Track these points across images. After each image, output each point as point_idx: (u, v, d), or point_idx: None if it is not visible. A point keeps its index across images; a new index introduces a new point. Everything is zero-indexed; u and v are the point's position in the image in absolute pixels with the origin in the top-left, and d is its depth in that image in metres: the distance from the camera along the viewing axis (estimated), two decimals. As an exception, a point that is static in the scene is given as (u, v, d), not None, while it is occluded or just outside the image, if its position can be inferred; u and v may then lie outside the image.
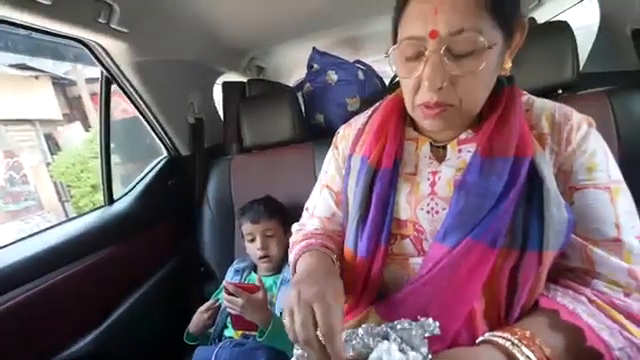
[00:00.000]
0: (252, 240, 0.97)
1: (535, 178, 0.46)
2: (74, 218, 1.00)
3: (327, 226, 0.65)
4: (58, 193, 5.05)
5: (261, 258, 0.96)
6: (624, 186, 0.49)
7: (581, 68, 0.97)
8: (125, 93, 1.03)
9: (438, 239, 0.49)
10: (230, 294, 0.78)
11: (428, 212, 0.52)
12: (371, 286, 0.54)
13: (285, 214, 1.01)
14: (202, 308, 0.94)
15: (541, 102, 0.53)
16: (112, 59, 0.92)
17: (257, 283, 0.81)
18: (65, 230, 0.91)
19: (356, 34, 1.57)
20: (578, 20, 1.04)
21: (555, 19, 1.41)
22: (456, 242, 0.47)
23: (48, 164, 4.96)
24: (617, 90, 0.89)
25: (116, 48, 0.90)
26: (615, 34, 1.06)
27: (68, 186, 4.69)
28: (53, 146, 5.33)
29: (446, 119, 0.48)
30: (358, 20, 1.36)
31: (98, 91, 1.02)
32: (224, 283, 0.79)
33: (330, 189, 0.66)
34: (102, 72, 0.97)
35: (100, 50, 0.89)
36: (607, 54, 1.14)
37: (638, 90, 0.88)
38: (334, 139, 0.68)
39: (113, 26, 0.81)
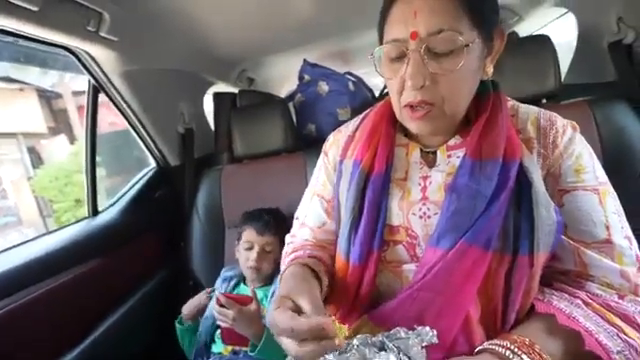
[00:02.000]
0: (249, 249, 0.95)
1: (523, 181, 0.47)
2: (55, 230, 0.96)
3: (318, 236, 0.63)
4: (39, 208, 4.88)
5: (250, 268, 0.93)
6: (610, 188, 0.50)
7: (562, 80, 1.00)
8: (113, 102, 1.02)
9: (432, 243, 0.49)
10: (222, 306, 0.74)
11: (420, 217, 0.52)
12: (364, 293, 0.53)
13: (287, 231, 0.99)
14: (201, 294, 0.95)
15: (526, 107, 0.54)
16: (100, 68, 0.91)
17: (250, 294, 0.78)
18: (46, 243, 0.87)
19: (346, 47, 1.60)
20: (558, 36, 1.10)
21: (536, 33, 1.47)
22: (450, 245, 0.46)
23: (29, 178, 4.81)
24: (598, 100, 0.93)
25: (105, 57, 0.89)
26: (593, 47, 1.11)
27: (50, 201, 4.54)
28: (36, 160, 5.18)
29: (431, 120, 0.48)
30: (348, 33, 1.39)
31: (85, 103, 1.00)
32: (216, 294, 0.76)
33: (321, 197, 0.65)
34: (89, 81, 0.95)
35: (88, 58, 0.88)
36: (586, 66, 1.19)
37: (617, 100, 0.92)
38: (324, 146, 0.67)
39: (102, 34, 0.80)
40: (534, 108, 0.54)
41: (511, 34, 1.32)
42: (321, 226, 0.63)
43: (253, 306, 0.76)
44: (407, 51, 0.45)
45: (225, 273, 1.03)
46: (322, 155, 0.67)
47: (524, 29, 1.49)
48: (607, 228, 0.47)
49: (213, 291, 0.95)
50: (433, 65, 0.45)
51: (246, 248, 0.95)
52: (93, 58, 0.88)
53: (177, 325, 0.96)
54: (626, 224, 0.49)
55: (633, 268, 0.46)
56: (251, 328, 0.74)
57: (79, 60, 0.89)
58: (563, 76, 1.10)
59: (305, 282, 0.49)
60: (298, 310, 0.41)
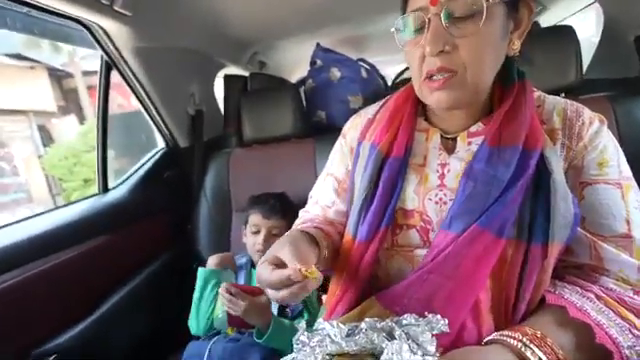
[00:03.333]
0: (256, 232, 0.95)
1: (544, 171, 0.46)
2: (66, 205, 0.97)
3: (328, 214, 0.64)
4: (49, 186, 4.96)
5: (258, 252, 0.94)
6: (634, 183, 0.49)
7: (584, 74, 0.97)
8: (125, 79, 1.01)
9: (444, 226, 0.48)
10: (231, 294, 0.75)
11: (436, 202, 0.52)
12: (364, 270, 0.53)
13: (294, 215, 0.98)
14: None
15: (553, 99, 0.53)
16: (113, 43, 0.90)
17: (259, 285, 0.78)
18: (56, 217, 0.88)
19: (360, 33, 1.57)
20: (578, 32, 1.06)
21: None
22: (462, 229, 0.46)
23: (40, 156, 4.88)
24: (619, 96, 0.90)
25: (118, 31, 0.88)
26: (618, 40, 1.07)
27: (60, 179, 4.61)
28: (46, 138, 5.25)
29: (451, 89, 0.47)
30: (362, 18, 1.36)
31: (96, 83, 1.00)
32: (225, 285, 0.76)
33: (334, 178, 0.65)
34: (102, 56, 0.95)
35: (101, 33, 0.87)
36: (609, 61, 1.15)
37: (639, 96, 0.89)
38: (343, 129, 0.67)
39: (116, 8, 0.79)
40: (562, 99, 0.53)
41: (533, 24, 1.28)
42: (331, 206, 0.64)
43: (264, 297, 0.76)
44: (427, 17, 0.44)
45: (238, 261, 1.03)
46: (340, 137, 0.67)
47: (547, 19, 1.44)
48: (627, 222, 0.46)
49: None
50: (454, 29, 0.44)
51: (253, 232, 0.95)
52: (106, 32, 0.87)
53: (199, 270, 0.95)
54: None
55: None
56: (260, 318, 0.75)
57: (92, 35, 0.88)
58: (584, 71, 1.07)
59: (295, 241, 0.49)
60: (281, 264, 0.44)
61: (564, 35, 0.95)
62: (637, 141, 0.85)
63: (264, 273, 0.44)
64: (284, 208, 0.96)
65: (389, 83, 1.53)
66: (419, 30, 0.46)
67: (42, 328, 0.77)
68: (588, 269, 0.48)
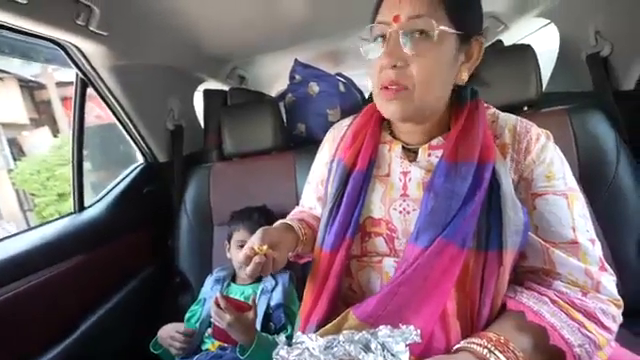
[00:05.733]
0: (242, 247, 0.95)
1: (494, 183, 0.50)
2: (41, 225, 0.94)
3: (312, 213, 0.73)
4: (20, 201, 4.72)
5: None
6: (579, 194, 0.54)
7: (544, 88, 1.05)
8: (101, 97, 1.00)
9: (411, 240, 0.51)
10: (219, 306, 0.74)
11: (400, 212, 0.56)
12: (333, 277, 0.56)
13: None
14: (181, 329, 0.88)
15: (505, 116, 0.58)
16: (89, 62, 0.90)
17: (250, 302, 0.78)
18: (30, 238, 0.86)
19: (337, 48, 1.62)
20: (541, 46, 1.14)
21: (520, 42, 1.52)
22: (428, 242, 0.49)
23: (10, 170, 4.65)
24: (576, 108, 0.97)
25: (94, 51, 0.88)
26: (573, 58, 1.16)
27: (32, 194, 4.40)
28: (17, 151, 5.01)
29: (400, 102, 0.51)
30: (339, 33, 1.41)
31: (72, 95, 0.99)
32: (217, 295, 0.75)
33: (314, 184, 0.73)
34: (77, 74, 0.94)
35: (77, 52, 0.87)
36: (566, 76, 1.25)
37: (594, 109, 0.97)
38: (323, 141, 0.73)
39: (92, 29, 0.80)
40: (513, 116, 0.57)
41: (497, 42, 1.36)
42: (313, 208, 0.74)
43: (251, 315, 0.76)
44: (388, 31, 0.50)
45: (217, 274, 1.03)
46: (319, 149, 0.74)
47: (509, 38, 1.54)
48: (573, 230, 0.50)
49: (190, 335, 0.89)
50: (408, 46, 0.48)
51: (239, 246, 0.96)
52: (82, 52, 0.87)
53: (152, 348, 0.90)
54: (591, 228, 0.52)
55: (595, 267, 0.50)
56: (244, 335, 0.74)
57: (67, 54, 0.87)
58: (544, 85, 1.15)
59: (267, 229, 0.59)
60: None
61: (524, 53, 1.02)
62: (591, 150, 0.92)
63: (237, 255, 0.54)
64: (268, 221, 0.97)
65: (366, 95, 1.58)
66: (381, 42, 0.51)
67: (21, 350, 0.75)
68: (542, 273, 0.52)
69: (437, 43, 0.48)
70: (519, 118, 0.57)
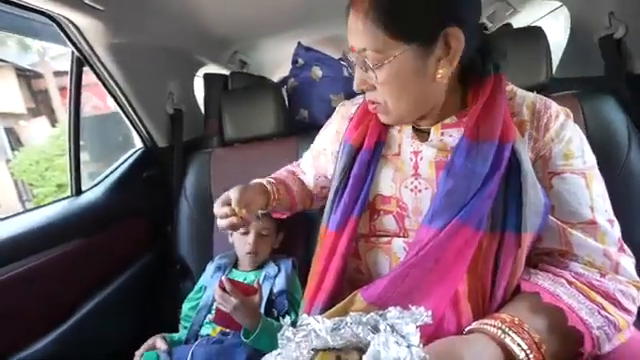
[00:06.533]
0: (245, 233, 0.93)
1: (514, 162, 0.48)
2: (37, 208, 0.92)
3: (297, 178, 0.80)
4: (18, 192, 4.70)
5: (248, 254, 0.92)
6: (597, 172, 0.52)
7: (553, 74, 1.02)
8: (98, 77, 0.97)
9: (425, 222, 0.49)
10: (224, 290, 0.72)
11: (412, 190, 0.54)
12: (338, 257, 0.55)
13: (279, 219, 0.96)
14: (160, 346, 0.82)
15: (523, 92, 0.56)
16: (85, 38, 0.86)
17: (255, 285, 0.77)
18: (25, 220, 0.84)
19: (341, 32, 1.58)
20: (548, 35, 1.11)
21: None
22: (443, 224, 0.47)
23: (8, 161, 4.62)
24: (586, 93, 0.95)
25: (90, 26, 0.84)
26: (584, 42, 1.12)
27: (31, 185, 4.38)
28: (14, 141, 4.97)
29: (383, 115, 0.54)
30: (343, 17, 1.37)
31: (67, 82, 0.95)
32: (222, 278, 0.74)
33: (312, 150, 0.78)
34: (73, 52, 0.91)
35: (72, 27, 0.83)
36: (577, 61, 1.21)
37: (605, 94, 0.94)
38: (337, 108, 0.74)
39: (87, 2, 0.76)
40: (532, 94, 0.55)
41: (506, 25, 1.33)
42: (304, 172, 0.81)
43: (256, 298, 0.75)
44: (352, 58, 0.50)
45: (218, 261, 1.00)
46: (330, 119, 0.75)
47: (518, 22, 1.50)
48: (592, 209, 0.49)
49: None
50: (369, 75, 0.49)
51: (242, 233, 0.93)
52: (77, 27, 0.83)
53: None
54: (610, 208, 0.51)
55: (614, 248, 0.48)
56: (249, 318, 0.73)
57: (62, 30, 0.84)
58: (554, 71, 1.12)
59: (243, 187, 0.65)
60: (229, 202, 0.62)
61: (534, 36, 0.99)
62: (601, 136, 0.90)
63: (216, 207, 0.63)
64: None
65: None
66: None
67: (16, 334, 0.73)
68: (558, 255, 0.50)
69: (393, 66, 0.47)
70: (538, 95, 0.54)
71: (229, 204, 0.61)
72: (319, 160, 0.76)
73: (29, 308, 0.76)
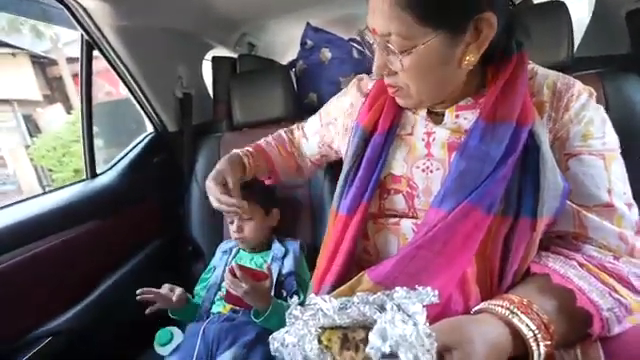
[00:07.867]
0: (231, 222, 0.94)
1: (531, 145, 0.46)
2: (53, 190, 0.95)
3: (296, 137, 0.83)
4: (39, 177, 4.87)
5: (237, 239, 0.94)
6: (618, 155, 0.49)
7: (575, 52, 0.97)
8: (108, 60, 0.98)
9: (435, 204, 0.49)
10: (234, 275, 0.73)
11: (423, 170, 0.54)
12: (348, 240, 0.54)
13: (266, 196, 0.96)
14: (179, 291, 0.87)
15: (545, 71, 0.53)
16: (94, 21, 0.86)
17: (265, 271, 0.77)
18: (43, 202, 0.87)
19: (352, 12, 1.53)
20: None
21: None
22: (453, 206, 0.47)
23: (27, 147, 4.76)
24: (609, 73, 0.90)
25: (98, 9, 0.84)
26: (609, 16, 1.06)
27: (50, 170, 4.53)
28: (32, 128, 5.11)
29: (402, 98, 0.52)
30: None
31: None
32: (233, 265, 0.74)
33: (320, 114, 0.77)
34: (82, 36, 0.91)
35: (81, 11, 0.84)
36: (600, 38, 1.15)
37: (629, 73, 0.89)
38: (354, 80, 0.70)
39: None
40: (554, 72, 0.52)
41: (525, 0, 1.26)
42: (304, 136, 0.81)
43: (267, 283, 0.75)
44: (372, 40, 0.48)
45: (224, 245, 1.02)
46: (345, 89, 0.72)
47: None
48: (609, 192, 0.47)
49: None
50: (391, 60, 0.47)
51: (229, 221, 0.95)
52: (86, 10, 0.84)
53: (170, 314, 0.89)
54: (629, 191, 0.49)
55: (631, 232, 0.47)
56: (260, 302, 0.74)
57: (71, 13, 0.84)
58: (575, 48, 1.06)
59: (231, 164, 0.70)
60: (226, 183, 0.68)
61: (556, 11, 0.94)
62: (625, 116, 0.85)
63: (214, 191, 0.67)
64: (273, 195, 0.96)
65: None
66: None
67: (35, 312, 0.77)
68: (571, 237, 0.49)
69: (420, 53, 0.44)
70: (560, 74, 0.52)
71: (224, 184, 0.66)
72: (328, 129, 0.73)
73: (45, 288, 0.79)
